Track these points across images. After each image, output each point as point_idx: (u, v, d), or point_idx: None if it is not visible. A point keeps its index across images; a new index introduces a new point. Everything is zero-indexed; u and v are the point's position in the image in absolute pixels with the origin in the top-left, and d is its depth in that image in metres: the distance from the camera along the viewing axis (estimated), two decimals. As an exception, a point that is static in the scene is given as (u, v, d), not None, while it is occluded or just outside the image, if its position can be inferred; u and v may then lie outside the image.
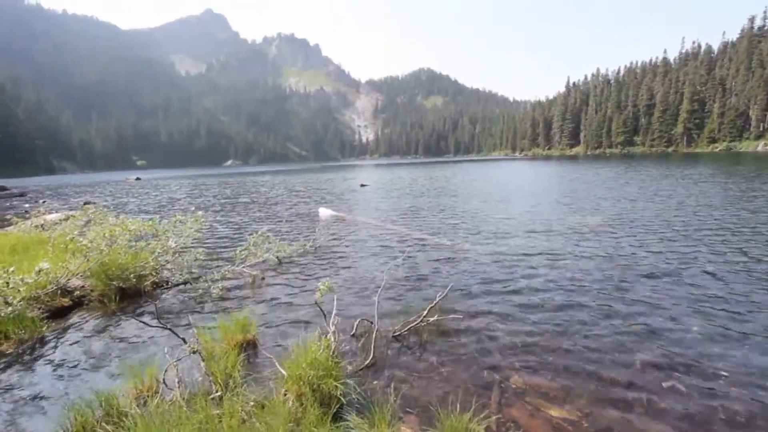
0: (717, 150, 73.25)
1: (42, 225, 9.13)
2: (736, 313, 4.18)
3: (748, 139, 72.78)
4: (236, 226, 11.26)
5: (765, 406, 2.73)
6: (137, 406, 2.67)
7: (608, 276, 5.53)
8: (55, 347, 3.98)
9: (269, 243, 7.03)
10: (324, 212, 12.90)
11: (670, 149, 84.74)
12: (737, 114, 74.70)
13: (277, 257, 6.96)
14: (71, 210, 13.86)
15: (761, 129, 71.51)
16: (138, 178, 51.40)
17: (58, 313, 4.78)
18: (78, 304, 5.09)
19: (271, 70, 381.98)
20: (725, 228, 8.29)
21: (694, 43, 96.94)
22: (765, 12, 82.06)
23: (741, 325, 3.91)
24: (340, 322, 3.83)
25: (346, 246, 8.13)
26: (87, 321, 4.62)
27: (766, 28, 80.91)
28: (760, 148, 65.79)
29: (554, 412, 2.72)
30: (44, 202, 22.12)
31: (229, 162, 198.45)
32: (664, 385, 2.98)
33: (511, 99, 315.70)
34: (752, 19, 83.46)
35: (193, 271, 6.25)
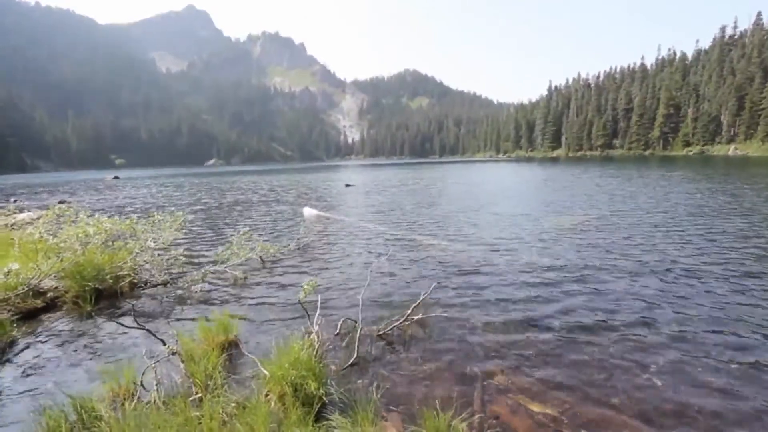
0: (691, 153, 75.97)
1: (12, 224, 8.77)
2: (716, 310, 4.34)
3: (720, 143, 75.83)
4: (218, 227, 11.07)
5: (743, 402, 2.84)
6: (113, 409, 2.58)
7: (588, 274, 5.65)
8: (26, 350, 3.82)
9: (252, 243, 6.92)
10: (308, 212, 12.79)
11: (647, 152, 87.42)
12: (710, 119, 77.73)
13: (260, 257, 6.87)
14: (44, 209, 13.36)
15: (732, 133, 74.60)
16: (116, 177, 49.98)
17: (30, 315, 4.60)
18: (51, 305, 4.90)
19: (256, 69, 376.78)
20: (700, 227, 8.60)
21: (669, 50, 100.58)
22: (735, 22, 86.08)
23: (720, 322, 4.06)
24: (324, 322, 3.80)
25: (331, 245, 8.09)
26: (61, 323, 4.45)
27: (736, 37, 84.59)
28: (730, 152, 68.61)
29: (536, 408, 2.76)
30: (15, 201, 21.25)
31: (212, 161, 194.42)
32: (643, 380, 3.06)
33: (495, 101, 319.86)
34: (723, 29, 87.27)
35: (173, 271, 6.10)
